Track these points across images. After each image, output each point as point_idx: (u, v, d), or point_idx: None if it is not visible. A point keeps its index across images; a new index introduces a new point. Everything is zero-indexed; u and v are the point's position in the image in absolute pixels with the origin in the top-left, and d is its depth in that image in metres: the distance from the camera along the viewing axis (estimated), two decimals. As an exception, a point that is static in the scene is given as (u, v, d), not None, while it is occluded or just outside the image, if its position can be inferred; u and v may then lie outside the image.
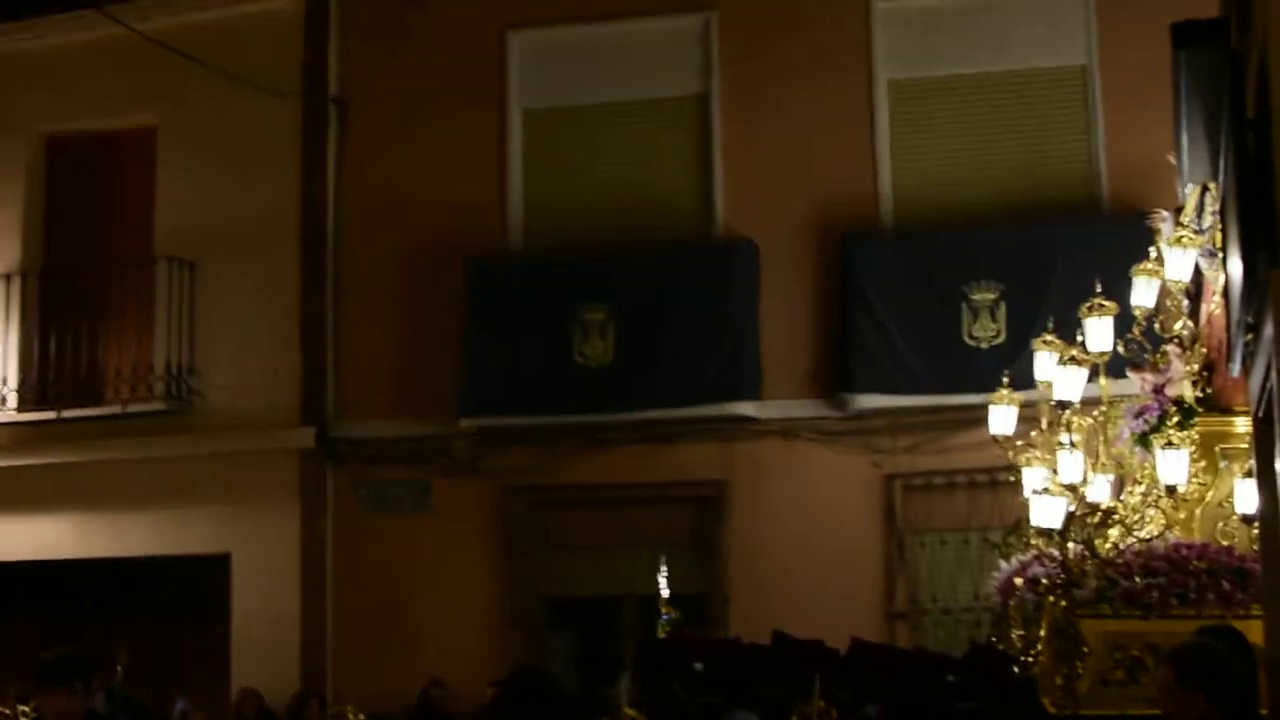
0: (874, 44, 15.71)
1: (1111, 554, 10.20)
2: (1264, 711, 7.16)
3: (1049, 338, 11.54)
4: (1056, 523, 10.44)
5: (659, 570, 11.40)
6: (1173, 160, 11.52)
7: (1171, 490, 10.26)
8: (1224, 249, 8.95)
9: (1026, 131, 15.44)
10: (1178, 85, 7.83)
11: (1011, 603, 10.90)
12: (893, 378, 14.86)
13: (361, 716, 9.65)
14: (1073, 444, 10.64)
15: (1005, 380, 11.55)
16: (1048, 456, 11.07)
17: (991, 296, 14.79)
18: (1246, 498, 10.01)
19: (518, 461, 15.84)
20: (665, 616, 11.91)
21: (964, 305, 14.83)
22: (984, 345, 14.65)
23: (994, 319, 14.69)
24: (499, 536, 15.92)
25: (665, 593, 11.47)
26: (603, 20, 16.28)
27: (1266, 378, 7.25)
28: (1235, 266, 7.75)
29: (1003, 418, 11.63)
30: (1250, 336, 7.59)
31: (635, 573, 15.02)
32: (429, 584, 15.83)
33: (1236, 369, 9.27)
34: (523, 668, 10.48)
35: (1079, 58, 15.38)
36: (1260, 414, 7.88)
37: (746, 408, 15.33)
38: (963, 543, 14.85)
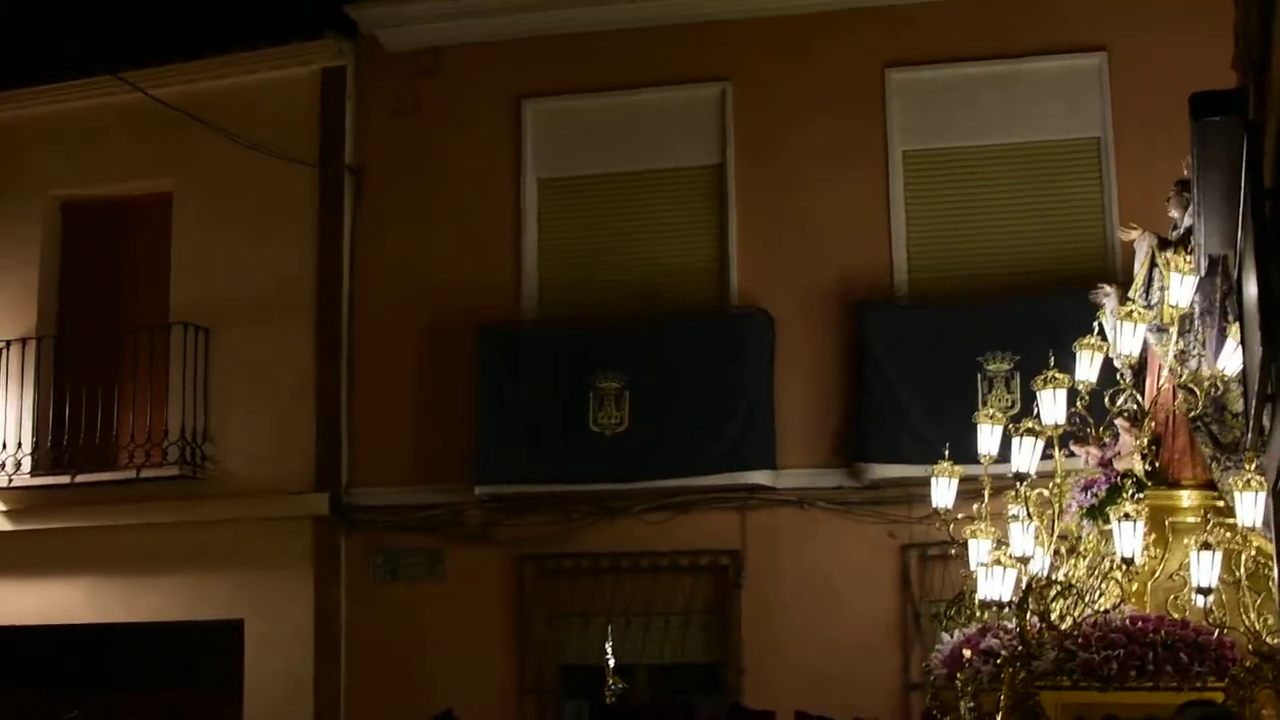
0: (888, 114, 15.76)
1: (1069, 626, 10.27)
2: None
3: (991, 410, 11.77)
4: (1006, 595, 10.51)
5: (606, 640, 11.43)
6: (1124, 236, 11.85)
7: (1129, 562, 10.35)
8: (1240, 319, 8.96)
9: (1040, 202, 15.45)
10: (1195, 156, 7.86)
11: (960, 675, 10.90)
12: (908, 447, 14.78)
13: None
14: (1029, 515, 10.73)
15: (945, 453, 11.74)
16: (991, 529, 11.16)
17: (1006, 367, 14.76)
18: (1203, 570, 10.11)
19: (532, 530, 15.82)
20: (613, 686, 11.93)
21: (979, 375, 14.82)
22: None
23: (1009, 389, 14.65)
24: (513, 605, 15.89)
25: (611, 662, 11.49)
26: (617, 90, 16.35)
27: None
28: (1253, 337, 7.76)
29: (943, 490, 11.73)
30: (1268, 409, 7.59)
31: (649, 642, 14.98)
32: (443, 652, 15.79)
33: (1250, 440, 9.28)
34: None
35: (1093, 130, 15.42)
36: (1278, 487, 7.87)
37: (761, 477, 15.31)
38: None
